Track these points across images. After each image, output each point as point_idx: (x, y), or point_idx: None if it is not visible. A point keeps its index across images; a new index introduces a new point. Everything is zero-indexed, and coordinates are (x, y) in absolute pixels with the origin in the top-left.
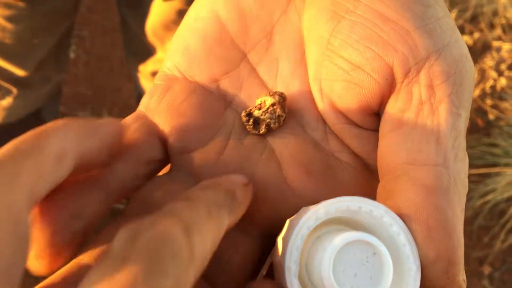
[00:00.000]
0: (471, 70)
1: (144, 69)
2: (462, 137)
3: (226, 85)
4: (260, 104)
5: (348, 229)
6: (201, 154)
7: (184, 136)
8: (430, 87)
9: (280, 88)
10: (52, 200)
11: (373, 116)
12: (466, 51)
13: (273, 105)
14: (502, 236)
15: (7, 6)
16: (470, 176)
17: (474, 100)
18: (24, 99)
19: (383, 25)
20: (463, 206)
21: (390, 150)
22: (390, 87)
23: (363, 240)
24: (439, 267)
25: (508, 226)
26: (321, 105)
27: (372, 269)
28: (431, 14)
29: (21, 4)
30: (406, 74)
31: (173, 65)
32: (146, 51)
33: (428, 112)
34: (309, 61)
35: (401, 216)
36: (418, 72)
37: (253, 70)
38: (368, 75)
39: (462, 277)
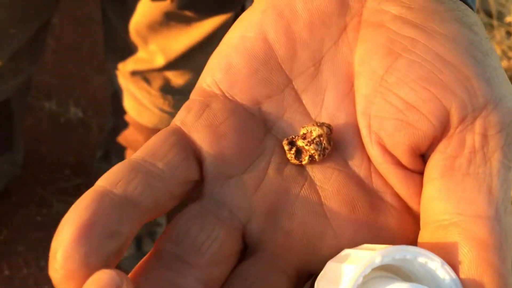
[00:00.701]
0: None
1: (123, 68)
2: (510, 191)
3: (268, 109)
4: (305, 133)
5: (398, 278)
6: (239, 182)
7: (223, 160)
8: (484, 136)
9: (324, 120)
10: (87, 219)
11: (419, 158)
12: None
13: (319, 136)
14: None
15: None
16: None
17: None
18: None
19: (443, 68)
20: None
21: (438, 197)
22: (443, 131)
23: None
24: None
25: None
26: (368, 141)
27: None
28: (489, 63)
29: None
30: (462, 120)
31: (213, 81)
32: (127, 50)
33: (481, 161)
34: (358, 95)
35: (453, 269)
36: (474, 119)
37: (298, 97)
38: (423, 116)
39: None
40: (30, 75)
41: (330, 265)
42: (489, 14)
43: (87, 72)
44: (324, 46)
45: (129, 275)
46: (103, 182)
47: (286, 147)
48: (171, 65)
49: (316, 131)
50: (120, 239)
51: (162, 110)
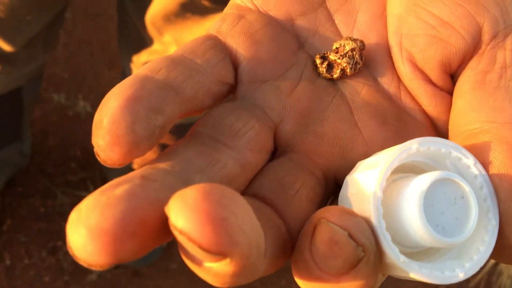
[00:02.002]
0: None
1: (137, 60)
2: None
3: (301, 25)
4: (338, 48)
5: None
6: (273, 86)
7: (258, 64)
8: None
9: None
10: (133, 93)
11: (449, 77)
12: None
13: (352, 50)
14: None
15: None
16: None
17: None
18: (6, 76)
19: None
20: None
21: (469, 108)
22: (474, 48)
23: (455, 181)
24: None
25: None
26: (398, 59)
27: (458, 211)
28: None
29: None
30: (494, 36)
31: None
32: (141, 42)
33: (511, 76)
34: (390, 16)
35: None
36: (506, 36)
37: (330, 17)
38: (456, 31)
39: None
40: (42, 63)
41: (358, 165)
42: None
43: (97, 67)
44: None
45: (164, 150)
46: (143, 70)
47: (318, 61)
48: None
49: (349, 45)
50: (164, 116)
51: None
